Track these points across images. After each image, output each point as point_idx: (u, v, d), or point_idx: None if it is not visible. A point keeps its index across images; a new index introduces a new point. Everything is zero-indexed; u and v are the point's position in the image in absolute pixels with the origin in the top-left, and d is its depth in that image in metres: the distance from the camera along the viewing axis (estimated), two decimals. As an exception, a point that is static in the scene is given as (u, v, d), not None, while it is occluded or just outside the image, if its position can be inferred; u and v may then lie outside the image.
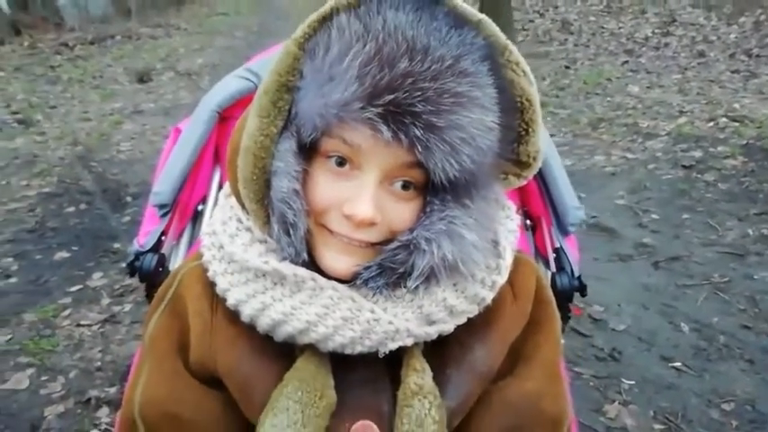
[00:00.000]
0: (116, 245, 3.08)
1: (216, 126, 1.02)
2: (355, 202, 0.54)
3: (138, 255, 0.94)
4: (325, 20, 0.55)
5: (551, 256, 1.00)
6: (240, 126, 0.62)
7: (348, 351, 0.58)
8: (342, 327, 0.57)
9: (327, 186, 0.56)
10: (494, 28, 0.58)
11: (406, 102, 0.50)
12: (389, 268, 0.57)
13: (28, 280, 2.78)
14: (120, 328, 2.38)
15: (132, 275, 0.92)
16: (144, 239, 0.96)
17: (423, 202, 0.58)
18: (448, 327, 0.61)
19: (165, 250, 0.98)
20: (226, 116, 1.03)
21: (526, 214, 1.06)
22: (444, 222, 0.56)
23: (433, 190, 0.56)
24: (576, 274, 0.96)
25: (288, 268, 0.58)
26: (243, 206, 0.63)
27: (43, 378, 2.10)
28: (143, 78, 7.12)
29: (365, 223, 0.55)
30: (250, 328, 0.61)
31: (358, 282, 0.58)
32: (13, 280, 2.79)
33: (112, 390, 2.03)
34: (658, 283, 2.55)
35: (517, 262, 0.68)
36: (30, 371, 2.14)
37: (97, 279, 2.76)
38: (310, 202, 0.57)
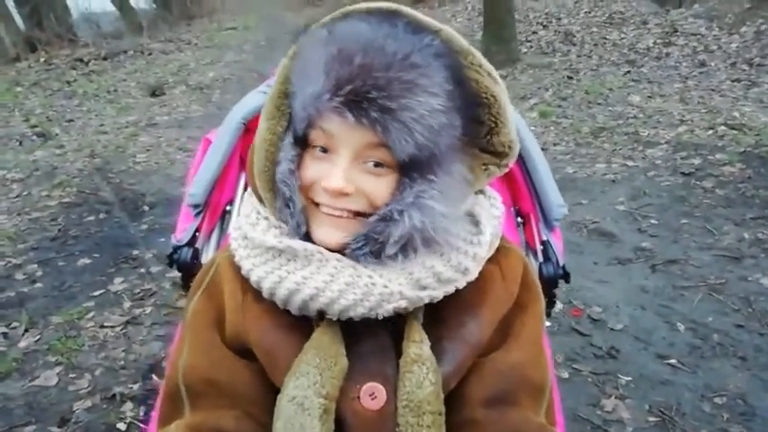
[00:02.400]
0: (135, 252, 3.21)
1: (241, 136, 1.14)
2: (329, 177, 0.65)
3: (176, 248, 1.07)
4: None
5: (539, 248, 1.12)
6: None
7: (351, 313, 0.67)
8: (345, 291, 0.66)
9: (312, 167, 0.69)
10: (453, 35, 0.69)
11: (363, 90, 0.60)
12: (372, 238, 0.67)
13: (53, 285, 2.92)
14: (142, 330, 2.50)
15: (171, 266, 1.05)
16: (180, 235, 1.08)
17: (397, 181, 0.68)
18: (437, 293, 0.69)
19: (198, 245, 1.10)
20: (250, 128, 1.15)
21: (517, 212, 1.18)
22: (413, 196, 0.66)
23: (402, 170, 0.67)
24: (561, 264, 1.07)
25: (298, 244, 0.69)
26: (260, 199, 0.75)
27: (71, 375, 2.22)
28: (156, 92, 7.31)
29: (337, 193, 0.65)
30: (274, 307, 0.72)
31: (347, 252, 0.68)
32: (38, 285, 2.92)
33: (136, 386, 2.14)
34: (656, 285, 2.63)
35: (506, 251, 0.79)
36: (58, 369, 2.26)
37: (118, 284, 2.89)
38: (301, 180, 0.69)
